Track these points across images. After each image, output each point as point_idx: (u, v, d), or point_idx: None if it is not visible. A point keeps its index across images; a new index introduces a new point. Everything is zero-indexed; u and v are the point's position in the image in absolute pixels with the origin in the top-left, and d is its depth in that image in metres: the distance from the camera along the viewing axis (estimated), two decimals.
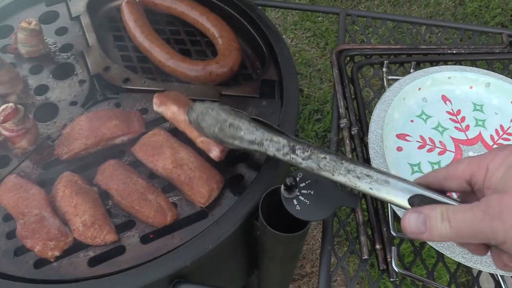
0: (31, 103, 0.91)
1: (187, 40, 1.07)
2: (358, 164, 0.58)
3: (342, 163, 0.59)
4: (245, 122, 0.68)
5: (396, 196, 0.54)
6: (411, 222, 0.49)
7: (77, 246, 0.73)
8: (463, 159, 0.52)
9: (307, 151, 0.62)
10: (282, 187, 0.66)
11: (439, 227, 0.47)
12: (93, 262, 0.71)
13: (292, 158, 0.63)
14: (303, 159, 0.62)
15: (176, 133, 0.84)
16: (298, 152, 0.63)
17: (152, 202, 0.74)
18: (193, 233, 0.73)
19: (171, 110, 0.81)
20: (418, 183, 0.55)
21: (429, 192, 0.53)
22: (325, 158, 0.60)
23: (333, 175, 0.59)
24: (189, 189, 0.75)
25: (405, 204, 0.54)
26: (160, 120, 0.87)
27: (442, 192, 0.53)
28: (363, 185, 0.57)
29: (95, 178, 0.78)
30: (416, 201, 0.53)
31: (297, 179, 0.68)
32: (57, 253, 0.72)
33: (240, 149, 0.71)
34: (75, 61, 0.98)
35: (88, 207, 0.73)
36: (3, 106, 0.79)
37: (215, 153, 0.77)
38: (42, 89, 0.93)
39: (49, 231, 0.71)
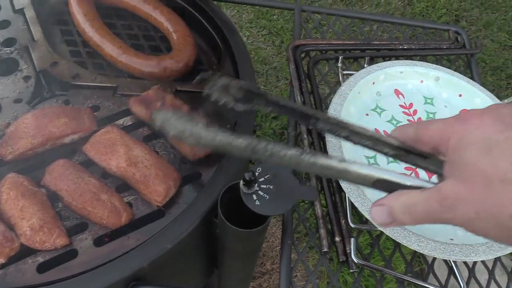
0: None
1: (140, 35, 1.03)
2: (318, 157, 0.54)
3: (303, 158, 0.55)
4: (201, 131, 0.61)
5: (360, 182, 0.52)
6: (377, 215, 0.49)
7: (25, 252, 0.69)
8: (432, 123, 0.48)
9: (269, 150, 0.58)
10: (241, 182, 0.65)
11: (402, 218, 0.47)
12: (43, 268, 0.67)
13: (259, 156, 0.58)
14: (265, 157, 0.57)
15: (130, 130, 0.81)
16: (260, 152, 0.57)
17: (105, 203, 0.71)
18: (150, 233, 0.71)
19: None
20: (394, 137, 0.52)
21: (392, 175, 0.51)
22: (285, 155, 0.56)
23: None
24: (145, 187, 0.73)
25: (370, 190, 0.52)
26: (113, 117, 0.84)
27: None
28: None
29: (43, 179, 0.73)
30: (381, 186, 0.52)
31: (256, 173, 0.67)
32: (2, 260, 0.67)
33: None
34: (19, 56, 0.92)
35: (36, 209, 0.69)
36: None
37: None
38: None
39: None
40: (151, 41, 1.03)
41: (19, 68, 0.90)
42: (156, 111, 0.68)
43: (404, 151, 0.53)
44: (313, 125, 0.59)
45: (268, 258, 1.79)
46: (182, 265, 0.81)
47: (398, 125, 0.88)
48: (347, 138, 0.56)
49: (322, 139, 0.86)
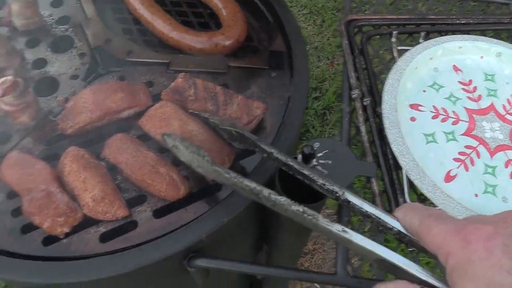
0: (29, 77, 0.87)
1: (190, 12, 1.03)
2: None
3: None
4: (209, 167, 0.62)
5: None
6: None
7: (87, 222, 0.71)
8: (441, 223, 0.44)
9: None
10: (300, 156, 0.65)
11: None
12: (105, 238, 0.69)
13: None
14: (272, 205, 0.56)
15: None
16: (270, 195, 0.56)
17: (164, 175, 0.71)
18: (207, 206, 0.71)
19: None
20: (398, 219, 0.49)
21: (397, 258, 0.47)
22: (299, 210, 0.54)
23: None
24: None
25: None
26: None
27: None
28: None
29: (102, 153, 0.75)
30: (382, 265, 0.48)
31: (315, 148, 0.66)
32: (66, 230, 0.69)
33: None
34: (74, 33, 0.94)
35: (97, 181, 0.71)
36: (2, 79, 0.76)
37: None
38: (40, 63, 0.89)
39: (57, 207, 0.68)
40: (200, 18, 1.02)
41: (74, 45, 0.92)
42: (167, 135, 0.68)
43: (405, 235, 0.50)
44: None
45: (310, 238, 1.79)
46: (236, 239, 0.82)
47: (457, 103, 0.85)
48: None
49: (377, 116, 0.83)
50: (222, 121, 0.73)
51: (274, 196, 0.54)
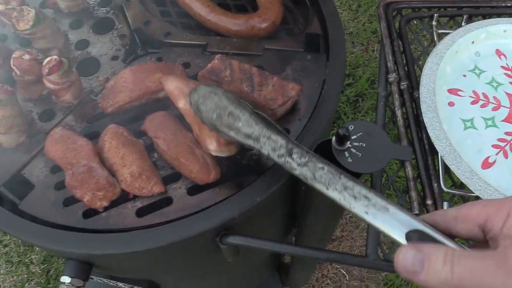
0: (72, 57, 0.91)
1: None
2: (357, 182, 0.52)
3: (340, 178, 0.53)
4: (245, 113, 0.63)
5: (393, 228, 0.47)
6: (407, 258, 0.41)
7: (125, 197, 0.74)
8: (478, 201, 0.44)
9: (305, 157, 0.57)
10: (334, 138, 0.65)
11: (439, 271, 0.39)
12: (141, 212, 0.72)
13: (287, 162, 0.58)
14: (298, 164, 0.57)
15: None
16: (294, 156, 0.58)
17: (198, 157, 0.73)
18: (240, 185, 0.73)
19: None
20: (423, 220, 0.47)
21: (433, 230, 0.45)
22: (322, 168, 0.55)
23: (327, 188, 0.54)
24: None
25: (401, 238, 0.46)
26: None
27: (449, 236, 0.45)
28: (358, 207, 0.50)
29: (143, 125, 0.77)
30: (415, 237, 0.46)
31: (349, 131, 0.66)
32: (105, 204, 0.72)
33: (235, 141, 0.66)
34: (114, 15, 0.96)
35: (135, 158, 0.73)
36: (48, 59, 0.79)
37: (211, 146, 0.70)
38: (83, 44, 0.93)
39: (97, 182, 0.71)
40: (237, 1, 1.03)
41: (115, 27, 0.95)
42: (202, 85, 0.69)
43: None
44: None
45: (339, 225, 1.79)
46: (267, 220, 0.83)
47: (499, 88, 0.82)
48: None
49: (414, 101, 0.82)
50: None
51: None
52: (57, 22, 0.95)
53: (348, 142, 0.65)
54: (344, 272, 1.78)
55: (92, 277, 0.85)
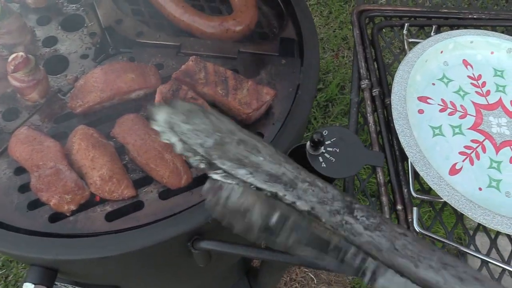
0: (39, 55, 0.87)
1: None
2: (457, 259, 0.39)
3: (434, 251, 0.38)
4: (267, 145, 0.46)
5: None
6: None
7: (94, 201, 0.72)
8: None
9: (375, 218, 0.41)
10: (308, 143, 0.65)
11: None
12: (111, 217, 0.70)
13: (346, 223, 0.41)
14: (366, 228, 0.40)
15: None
16: (358, 214, 0.41)
17: (168, 162, 0.72)
18: None
19: None
20: None
21: None
22: (404, 235, 0.39)
23: (416, 266, 0.38)
24: None
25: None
26: None
27: None
28: None
29: (112, 131, 0.75)
30: None
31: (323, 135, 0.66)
32: (73, 207, 0.70)
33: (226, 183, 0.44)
34: (85, 12, 0.94)
35: (106, 160, 0.71)
36: (13, 55, 0.76)
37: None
38: (50, 41, 0.89)
39: (65, 184, 0.69)
40: (211, 2, 1.02)
41: (85, 25, 0.92)
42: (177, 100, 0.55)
43: None
44: None
45: None
46: None
47: (466, 97, 0.85)
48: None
49: (385, 107, 0.84)
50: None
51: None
52: (23, 17, 0.91)
53: (322, 147, 0.65)
54: (312, 276, 1.80)
55: (56, 283, 0.82)
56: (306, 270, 1.80)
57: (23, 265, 1.84)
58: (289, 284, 1.78)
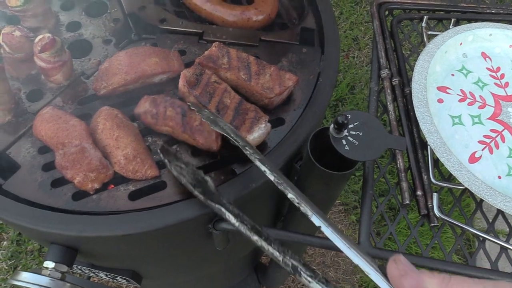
0: (64, 38, 0.89)
1: None
2: None
3: None
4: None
5: None
6: (396, 272, 0.42)
7: (118, 180, 0.72)
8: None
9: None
10: (332, 126, 0.66)
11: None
12: (134, 196, 0.70)
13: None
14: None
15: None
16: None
17: (202, 130, 0.72)
18: (233, 173, 0.72)
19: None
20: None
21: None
22: None
23: None
24: None
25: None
26: None
27: None
28: None
29: (135, 109, 0.76)
30: None
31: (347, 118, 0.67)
32: (97, 186, 0.70)
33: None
34: None
35: (130, 140, 0.72)
36: (40, 36, 0.77)
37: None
38: (74, 26, 0.91)
39: (90, 162, 0.70)
40: None
41: (108, 11, 0.93)
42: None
43: None
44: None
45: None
46: (259, 207, 0.83)
47: (485, 88, 0.86)
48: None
49: (405, 96, 0.84)
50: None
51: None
52: (48, 2, 0.93)
53: (346, 130, 0.66)
54: (320, 273, 1.80)
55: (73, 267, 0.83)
56: (314, 268, 1.80)
57: (32, 256, 1.85)
58: (297, 281, 1.78)
